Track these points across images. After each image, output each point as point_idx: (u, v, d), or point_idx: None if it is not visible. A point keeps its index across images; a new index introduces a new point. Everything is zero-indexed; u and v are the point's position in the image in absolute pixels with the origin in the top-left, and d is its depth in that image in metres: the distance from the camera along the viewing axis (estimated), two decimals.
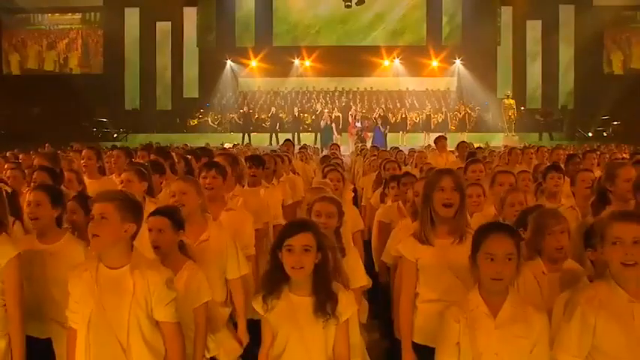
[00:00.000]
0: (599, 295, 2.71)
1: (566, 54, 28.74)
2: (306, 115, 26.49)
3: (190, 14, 29.24)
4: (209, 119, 27.19)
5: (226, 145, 20.00)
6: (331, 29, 29.93)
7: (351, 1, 28.58)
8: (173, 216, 3.41)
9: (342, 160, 7.97)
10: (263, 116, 26.67)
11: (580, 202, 5.19)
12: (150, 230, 3.37)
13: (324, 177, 5.61)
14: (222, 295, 3.79)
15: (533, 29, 28.84)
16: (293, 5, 30.01)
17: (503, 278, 2.71)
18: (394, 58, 29.10)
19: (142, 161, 6.39)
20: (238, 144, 21.05)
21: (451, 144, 17.01)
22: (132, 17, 28.86)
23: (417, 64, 28.96)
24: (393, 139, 23.14)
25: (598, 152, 11.30)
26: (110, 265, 2.86)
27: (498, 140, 22.53)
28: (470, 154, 9.03)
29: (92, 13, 29.72)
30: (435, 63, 29.19)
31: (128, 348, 2.83)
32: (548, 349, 2.73)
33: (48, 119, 25.08)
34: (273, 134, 24.21)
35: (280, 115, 26.40)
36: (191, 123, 27.23)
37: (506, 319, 2.72)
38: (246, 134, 24.49)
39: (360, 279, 3.92)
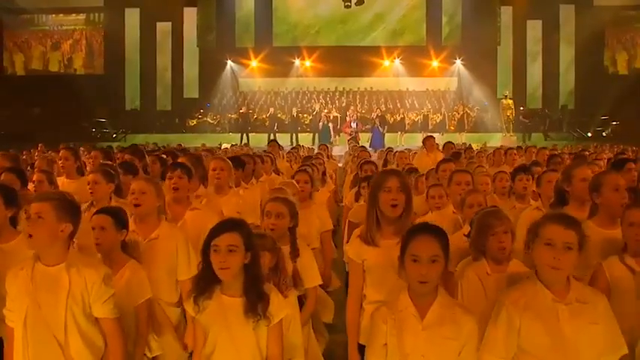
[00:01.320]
0: (524, 295, 2.73)
1: (566, 54, 28.66)
2: (305, 115, 26.50)
3: (190, 14, 29.31)
4: (208, 119, 27.24)
5: (224, 146, 20.07)
6: (331, 29, 29.93)
7: (350, 2, 28.56)
8: (116, 215, 3.47)
9: (323, 161, 7.99)
10: (263, 116, 26.71)
11: (546, 202, 5.19)
12: (93, 229, 3.43)
13: (292, 178, 5.64)
14: (171, 295, 3.80)
15: (534, 29, 28.77)
16: (293, 5, 30.03)
17: (429, 280, 2.70)
18: (394, 58, 29.10)
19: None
20: (236, 144, 21.12)
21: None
22: (132, 17, 28.97)
23: (417, 65, 28.94)
24: (391, 140, 23.13)
25: (587, 152, 11.31)
26: (47, 263, 2.92)
27: (497, 140, 22.47)
28: (454, 155, 9.06)
29: (96, 14, 29.81)
30: (435, 63, 29.18)
31: (66, 345, 2.89)
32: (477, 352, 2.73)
33: (48, 119, 25.21)
34: (272, 134, 24.21)
35: (279, 115, 26.42)
36: (190, 123, 27.29)
37: (434, 320, 2.72)
38: (245, 134, 24.49)
39: (314, 279, 3.95)
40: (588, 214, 4.09)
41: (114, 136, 25.99)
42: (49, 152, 11.49)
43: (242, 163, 5.91)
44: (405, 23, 29.97)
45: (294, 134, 24.33)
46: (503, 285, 3.40)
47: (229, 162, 5.37)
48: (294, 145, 19.75)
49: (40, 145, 14.78)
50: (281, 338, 2.93)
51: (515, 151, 9.21)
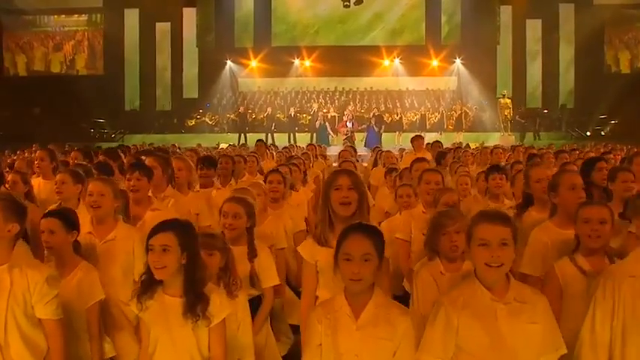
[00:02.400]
0: (463, 295, 2.72)
1: (566, 53, 28.54)
2: (304, 115, 26.49)
3: (189, 15, 29.31)
4: (206, 120, 27.27)
5: (222, 146, 20.11)
6: (330, 29, 29.90)
7: (349, 1, 28.55)
8: (65, 217, 3.48)
9: (302, 160, 8.00)
10: (261, 116, 26.68)
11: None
12: (42, 232, 3.43)
13: (265, 178, 5.63)
14: (129, 295, 3.81)
15: (533, 28, 28.65)
16: (292, 5, 30.01)
17: (362, 279, 2.67)
18: (394, 57, 29.04)
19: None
20: (234, 144, 21.13)
21: (447, 143, 17.03)
22: (131, 18, 28.99)
23: (417, 64, 28.88)
24: (389, 139, 23.09)
25: (577, 151, 11.29)
26: None
27: (495, 140, 22.38)
28: (439, 154, 9.06)
29: (98, 15, 29.85)
30: (435, 62, 29.11)
31: (5, 345, 2.91)
32: (413, 351, 2.71)
33: (47, 120, 25.25)
34: (270, 134, 24.21)
35: (277, 115, 26.42)
36: (189, 123, 27.32)
37: (369, 320, 2.70)
38: (243, 134, 24.48)
39: (271, 279, 3.95)
40: (549, 214, 4.09)
41: (112, 136, 26.03)
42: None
43: (214, 163, 5.90)
44: (405, 23, 29.91)
45: (292, 134, 24.29)
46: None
47: (189, 161, 5.37)
48: (293, 145, 19.70)
49: (34, 145, 14.81)
50: (223, 338, 2.94)
51: (500, 151, 9.19)
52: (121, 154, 6.77)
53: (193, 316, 2.82)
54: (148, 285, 2.90)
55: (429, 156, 10.39)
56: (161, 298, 2.90)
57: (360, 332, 2.68)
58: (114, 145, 18.02)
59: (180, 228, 2.88)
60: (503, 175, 5.62)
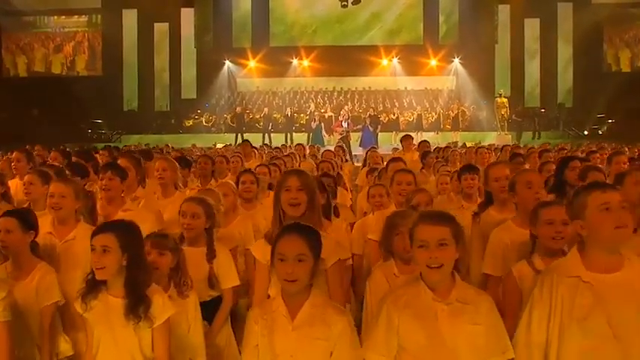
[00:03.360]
0: (406, 294, 2.71)
1: (564, 52, 28.48)
2: (301, 115, 26.48)
3: (188, 15, 29.34)
4: (203, 120, 27.28)
5: (219, 146, 20.12)
6: (328, 29, 29.95)
7: (347, 1, 28.53)
8: (23, 217, 3.48)
9: (284, 161, 8.00)
10: (258, 117, 26.68)
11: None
12: None
13: (238, 178, 5.63)
14: None
15: (532, 27, 28.60)
16: (289, 5, 30.07)
17: (297, 279, 2.65)
18: (392, 57, 29.03)
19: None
20: (231, 144, 21.13)
21: (444, 143, 17.03)
22: (130, 18, 29.03)
23: (415, 64, 28.89)
24: (386, 139, 23.05)
25: (564, 150, 11.27)
26: None
27: (492, 139, 22.38)
28: (424, 154, 9.06)
29: (98, 16, 29.89)
30: (433, 62, 29.11)
31: None
32: (350, 351, 2.69)
33: (46, 121, 25.32)
34: (266, 134, 24.20)
35: (275, 115, 26.41)
36: (186, 124, 27.34)
37: (305, 320, 2.67)
38: (239, 135, 24.48)
39: (230, 280, 3.95)
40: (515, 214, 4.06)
41: (110, 137, 26.06)
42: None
43: (188, 163, 5.91)
44: (402, 22, 29.93)
45: (288, 134, 24.28)
46: None
47: (174, 161, 5.36)
48: (290, 144, 19.67)
49: (27, 146, 14.80)
50: (167, 339, 2.95)
51: (485, 151, 9.17)
52: (95, 155, 6.78)
53: (135, 317, 2.84)
54: (93, 285, 2.92)
55: (415, 155, 10.42)
56: (105, 299, 2.92)
57: (295, 332, 2.67)
58: (100, 146, 18.02)
59: (123, 229, 2.89)
60: (475, 175, 5.59)
